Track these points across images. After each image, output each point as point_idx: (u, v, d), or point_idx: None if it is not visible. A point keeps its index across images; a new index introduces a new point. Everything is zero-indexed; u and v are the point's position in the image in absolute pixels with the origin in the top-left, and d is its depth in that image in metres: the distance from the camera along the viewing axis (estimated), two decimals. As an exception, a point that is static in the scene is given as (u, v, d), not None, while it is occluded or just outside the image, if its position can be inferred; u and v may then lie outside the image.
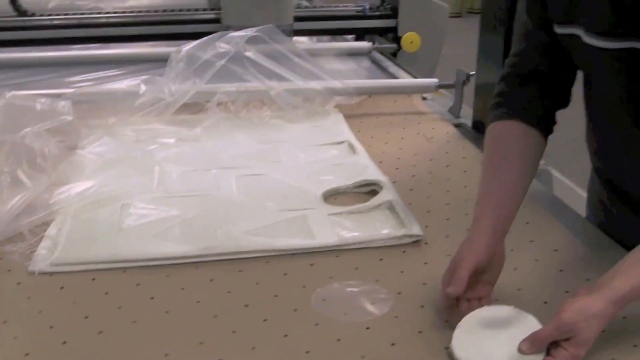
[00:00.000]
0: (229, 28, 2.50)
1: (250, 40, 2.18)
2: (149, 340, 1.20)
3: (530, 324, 1.13)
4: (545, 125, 1.40)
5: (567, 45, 1.34)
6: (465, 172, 1.84)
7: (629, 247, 1.46)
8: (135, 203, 1.63)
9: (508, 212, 1.29)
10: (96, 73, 2.47)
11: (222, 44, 2.15)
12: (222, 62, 2.11)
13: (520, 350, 1.07)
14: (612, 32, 1.25)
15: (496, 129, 1.41)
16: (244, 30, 2.21)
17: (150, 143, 1.97)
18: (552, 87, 1.41)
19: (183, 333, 1.22)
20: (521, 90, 1.41)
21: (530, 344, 1.08)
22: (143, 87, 2.08)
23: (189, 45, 2.17)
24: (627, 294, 1.08)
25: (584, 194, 1.71)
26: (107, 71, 2.49)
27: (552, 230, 1.56)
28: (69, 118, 1.86)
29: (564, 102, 1.43)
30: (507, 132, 1.39)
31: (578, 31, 1.30)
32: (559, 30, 1.33)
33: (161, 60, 2.26)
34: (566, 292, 1.33)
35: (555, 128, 1.42)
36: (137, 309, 1.29)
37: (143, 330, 1.23)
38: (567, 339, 1.07)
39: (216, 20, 2.83)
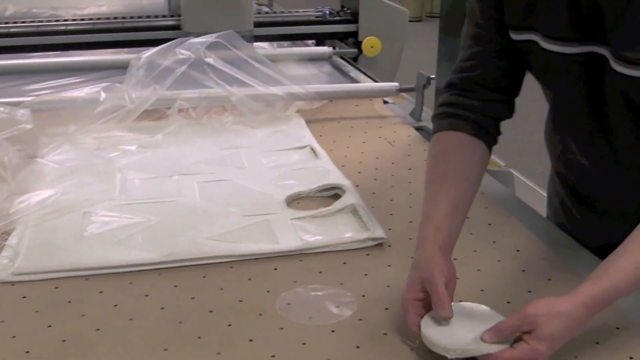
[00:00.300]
0: (189, 34, 2.50)
1: (211, 47, 2.19)
2: (113, 348, 1.20)
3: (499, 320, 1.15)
4: (490, 136, 1.41)
5: (523, 52, 1.35)
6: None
7: (590, 248, 1.48)
8: (97, 211, 1.62)
9: (453, 231, 1.28)
10: (55, 81, 2.45)
11: (183, 50, 2.15)
12: (183, 68, 2.11)
13: (483, 339, 1.09)
14: (569, 37, 1.26)
15: (440, 141, 1.41)
16: (204, 36, 2.21)
17: (112, 150, 1.96)
18: (499, 97, 1.41)
19: (147, 340, 1.22)
20: (467, 101, 1.40)
21: (493, 333, 1.10)
22: (103, 95, 2.07)
23: (149, 52, 2.17)
24: (596, 295, 1.09)
25: (545, 195, 1.73)
26: (67, 79, 2.46)
27: (515, 231, 1.58)
28: (29, 126, 1.85)
29: (509, 112, 1.43)
30: (451, 144, 1.39)
31: (535, 37, 1.30)
32: (515, 36, 1.34)
33: (121, 68, 2.26)
34: (529, 292, 1.34)
35: (517, 130, 1.44)
36: (100, 316, 1.28)
37: (107, 338, 1.22)
38: (529, 333, 1.08)
39: (176, 27, 2.83)
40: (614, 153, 1.36)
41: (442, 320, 1.15)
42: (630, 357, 1.16)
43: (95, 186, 1.73)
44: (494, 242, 1.53)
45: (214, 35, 2.21)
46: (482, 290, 1.35)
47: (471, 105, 1.39)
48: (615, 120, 1.31)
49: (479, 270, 1.41)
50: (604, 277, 1.11)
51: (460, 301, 1.22)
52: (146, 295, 1.34)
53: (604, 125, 1.33)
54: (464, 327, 1.14)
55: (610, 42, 1.21)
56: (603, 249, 1.46)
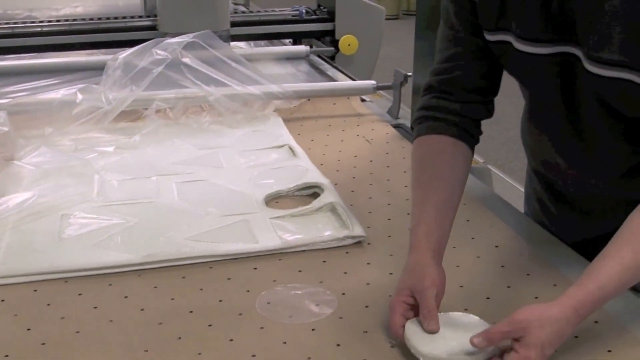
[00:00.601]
0: (165, 35, 2.50)
1: (187, 47, 2.19)
2: (94, 350, 1.20)
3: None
4: (471, 137, 1.42)
5: (498, 53, 1.36)
6: (405, 172, 1.86)
7: (567, 244, 1.50)
8: (75, 213, 1.62)
9: (443, 235, 1.30)
10: (31, 83, 2.43)
11: (159, 50, 2.15)
12: (160, 69, 2.11)
13: (472, 343, 1.09)
14: (542, 38, 1.27)
15: (423, 145, 1.42)
16: (181, 36, 2.21)
17: (89, 152, 1.96)
18: (478, 98, 1.42)
19: (127, 341, 1.22)
20: (446, 104, 1.41)
21: (483, 338, 1.09)
22: (80, 96, 2.07)
23: (125, 53, 2.16)
24: (584, 299, 1.09)
25: (523, 191, 1.75)
26: (43, 81, 2.45)
27: (493, 227, 1.59)
28: (5, 129, 1.85)
29: (489, 112, 1.44)
30: (434, 148, 1.40)
31: (509, 38, 1.31)
32: (490, 37, 1.34)
33: (97, 69, 2.26)
34: (508, 287, 1.35)
35: (495, 127, 1.45)
36: (80, 318, 1.28)
37: (87, 340, 1.22)
38: (518, 341, 1.08)
39: (152, 27, 2.82)
40: (589, 152, 1.37)
41: (429, 331, 1.16)
42: (609, 350, 1.18)
43: (73, 188, 1.72)
44: (473, 238, 1.54)
45: (191, 35, 2.21)
46: (461, 286, 1.36)
47: (451, 108, 1.40)
48: (590, 120, 1.32)
49: (458, 266, 1.42)
50: (591, 280, 1.12)
51: (451, 312, 1.22)
52: (126, 297, 1.34)
53: (579, 125, 1.34)
54: (448, 336, 1.15)
55: (582, 43, 1.22)
56: (581, 245, 1.48)
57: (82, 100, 2.06)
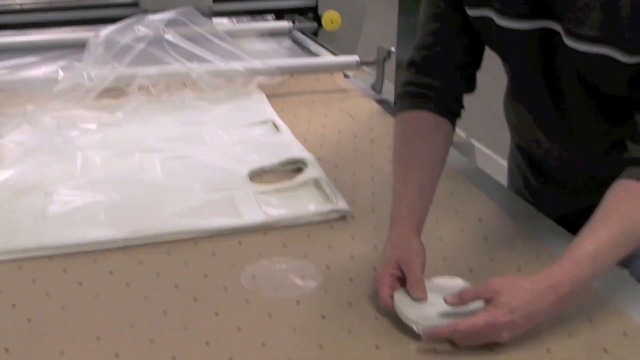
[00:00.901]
0: (147, 11, 2.49)
1: (170, 23, 2.19)
2: (79, 326, 1.21)
3: None
4: (453, 113, 1.43)
5: (479, 28, 1.36)
6: (388, 147, 1.85)
7: (550, 217, 1.51)
8: (59, 190, 1.62)
9: (423, 211, 1.32)
10: (13, 60, 2.42)
11: (141, 27, 2.15)
12: (142, 45, 2.12)
13: (445, 301, 1.13)
14: (523, 13, 1.28)
15: (405, 121, 1.43)
16: (163, 13, 2.21)
17: (72, 129, 1.95)
18: (460, 73, 1.42)
19: (113, 316, 1.23)
20: (429, 80, 1.41)
21: (457, 297, 1.13)
22: (61, 74, 2.07)
23: (107, 30, 2.17)
24: (558, 276, 1.11)
25: (506, 165, 1.76)
26: (24, 58, 2.44)
27: (476, 200, 1.60)
28: (-14, 107, 1.84)
29: (471, 87, 1.44)
30: (416, 124, 1.41)
31: (490, 13, 1.32)
32: (471, 12, 1.35)
33: (79, 46, 2.26)
34: (491, 259, 1.37)
35: (478, 102, 1.45)
36: (65, 295, 1.29)
37: (73, 316, 1.23)
38: (489, 302, 1.10)
39: (134, 4, 2.80)
40: (570, 128, 1.39)
41: (417, 299, 1.19)
42: (589, 319, 1.19)
43: (56, 165, 1.72)
44: (456, 211, 1.55)
45: (173, 11, 2.22)
46: (444, 258, 1.37)
47: (433, 84, 1.41)
48: (570, 96, 1.33)
49: (441, 239, 1.43)
50: (567, 258, 1.13)
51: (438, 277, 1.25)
52: (111, 273, 1.35)
53: (560, 101, 1.36)
54: (436, 302, 1.18)
55: (562, 18, 1.23)
56: (563, 218, 1.49)
57: (64, 77, 2.06)
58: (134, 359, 1.13)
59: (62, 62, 2.13)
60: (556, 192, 1.54)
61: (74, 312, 1.24)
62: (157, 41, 2.16)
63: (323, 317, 1.21)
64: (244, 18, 3.15)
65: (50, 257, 1.40)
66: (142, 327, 1.19)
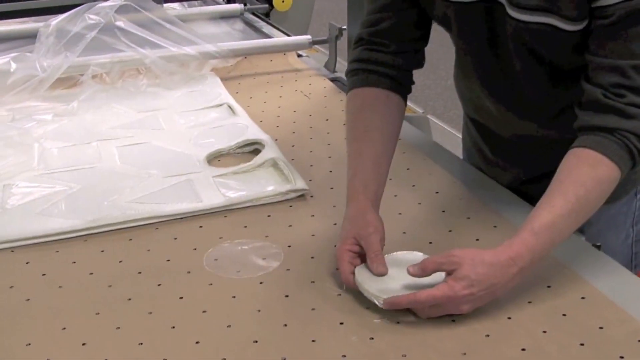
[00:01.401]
0: (96, -1, 2.46)
1: (120, 10, 2.17)
2: (45, 316, 1.20)
3: None
4: (403, 88, 1.43)
5: (424, 3, 1.37)
6: (344, 124, 1.87)
7: (504, 186, 1.53)
8: (17, 182, 1.61)
9: (379, 186, 1.33)
10: (-38, 54, 2.39)
11: (92, 15, 2.12)
12: (93, 33, 2.09)
13: (408, 272, 1.14)
14: None
15: (357, 97, 1.43)
16: (113, 0, 2.19)
17: (27, 121, 1.93)
18: (409, 48, 1.43)
19: (78, 306, 1.22)
20: (378, 55, 1.42)
21: (418, 267, 1.14)
22: (13, 65, 2.04)
23: (57, 19, 2.13)
24: (517, 247, 1.12)
25: (461, 137, 1.77)
26: (-26, 51, 2.41)
27: (433, 174, 1.61)
28: (-61, 102, 1.82)
29: (420, 62, 1.45)
30: (368, 100, 1.41)
31: None
32: None
33: (29, 37, 2.23)
34: (449, 231, 1.38)
35: (432, 77, 1.46)
36: (29, 287, 1.28)
37: (37, 307, 1.22)
38: (450, 274, 1.12)
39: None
40: (519, 96, 1.40)
41: (378, 274, 1.19)
42: (548, 286, 1.21)
43: (13, 158, 1.70)
44: (414, 185, 1.56)
45: None
46: (404, 232, 1.38)
47: (382, 59, 1.41)
48: (517, 64, 1.34)
49: (400, 213, 1.44)
50: (525, 230, 1.15)
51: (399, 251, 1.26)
52: (73, 262, 1.34)
53: (507, 70, 1.37)
54: (396, 275, 1.19)
55: None
56: (517, 186, 1.51)
57: (16, 69, 2.04)
58: (100, 347, 1.12)
59: (13, 54, 2.09)
60: (509, 160, 1.55)
61: (39, 304, 1.23)
62: (108, 28, 2.13)
63: (286, 296, 1.22)
64: (195, 2, 3.13)
65: (12, 249, 1.39)
66: (108, 315, 1.19)
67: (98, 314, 1.19)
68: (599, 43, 1.21)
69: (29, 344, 1.13)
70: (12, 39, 2.44)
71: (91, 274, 1.31)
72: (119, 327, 1.16)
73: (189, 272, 1.29)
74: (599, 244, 1.33)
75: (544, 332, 1.11)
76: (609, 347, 1.08)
